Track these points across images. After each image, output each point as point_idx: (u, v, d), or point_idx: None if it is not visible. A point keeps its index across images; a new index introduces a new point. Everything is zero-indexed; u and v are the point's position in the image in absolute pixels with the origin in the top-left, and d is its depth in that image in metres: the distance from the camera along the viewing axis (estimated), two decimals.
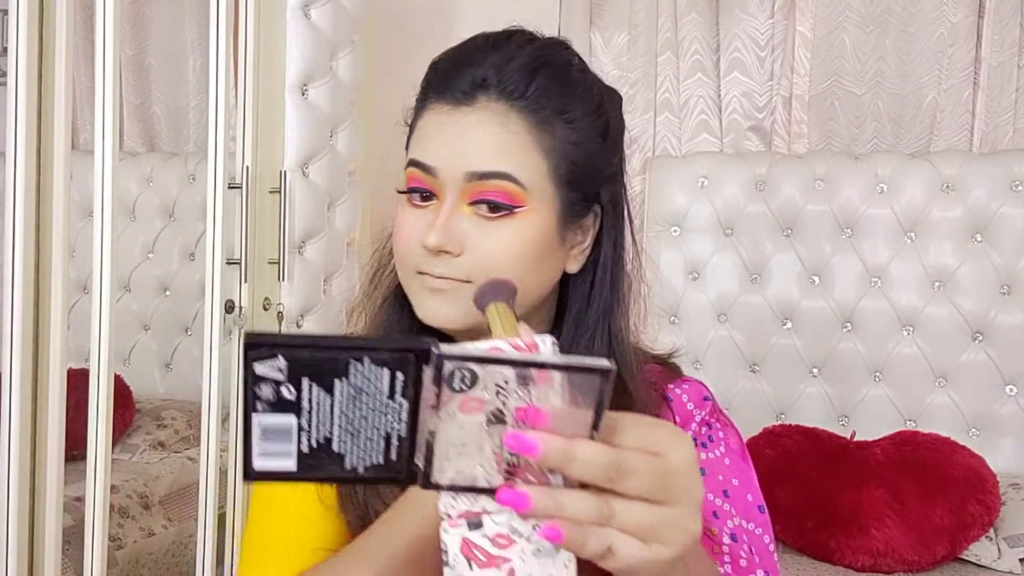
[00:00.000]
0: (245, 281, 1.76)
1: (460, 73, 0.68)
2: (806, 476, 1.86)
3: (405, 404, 0.45)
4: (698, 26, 2.38)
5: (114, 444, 1.66)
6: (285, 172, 1.84)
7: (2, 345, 1.38)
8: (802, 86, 2.33)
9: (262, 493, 0.77)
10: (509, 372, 0.43)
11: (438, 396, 0.44)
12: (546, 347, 0.45)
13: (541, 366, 0.43)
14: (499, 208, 0.67)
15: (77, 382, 1.45)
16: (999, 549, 1.79)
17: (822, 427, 2.02)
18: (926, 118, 2.26)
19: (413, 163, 0.70)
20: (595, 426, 0.44)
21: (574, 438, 0.44)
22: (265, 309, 1.84)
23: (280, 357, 0.43)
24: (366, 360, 0.44)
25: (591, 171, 0.71)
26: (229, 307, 1.72)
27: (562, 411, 0.43)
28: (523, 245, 0.67)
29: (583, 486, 0.45)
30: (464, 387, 0.43)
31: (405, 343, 0.44)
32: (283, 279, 1.85)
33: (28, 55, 1.36)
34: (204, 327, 1.69)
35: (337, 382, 0.44)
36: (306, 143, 1.89)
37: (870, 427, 2.05)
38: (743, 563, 0.72)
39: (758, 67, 2.37)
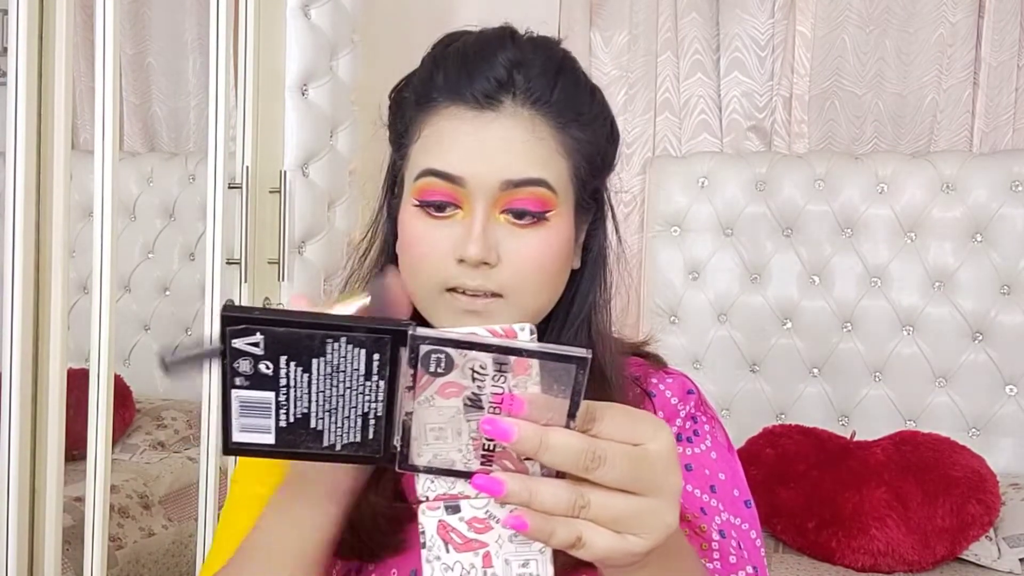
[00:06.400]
0: (245, 281, 1.76)
1: (477, 75, 0.66)
2: (806, 476, 1.86)
3: (382, 384, 0.45)
4: (698, 26, 2.38)
5: (114, 444, 1.66)
6: (285, 172, 1.83)
7: (2, 345, 1.38)
8: (802, 86, 2.32)
9: (236, 494, 0.74)
10: (486, 358, 0.43)
11: (414, 378, 0.44)
12: (524, 334, 0.45)
13: (518, 352, 0.43)
14: (528, 215, 0.66)
15: (77, 382, 1.45)
16: (999, 549, 1.79)
17: (822, 427, 2.01)
18: (926, 118, 2.26)
19: (432, 172, 0.65)
20: (572, 415, 0.44)
21: (549, 426, 0.44)
22: None
23: (258, 333, 0.43)
24: (343, 340, 0.44)
25: (599, 169, 0.71)
26: None
27: (539, 399, 0.44)
28: (553, 250, 0.67)
29: (561, 476, 0.45)
30: (440, 370, 0.43)
31: (383, 324, 0.44)
32: (283, 279, 1.85)
33: (28, 55, 1.36)
34: (204, 327, 1.69)
35: (314, 360, 0.44)
36: (306, 143, 1.89)
37: (870, 427, 2.05)
38: (732, 559, 0.71)
39: (758, 67, 2.37)
